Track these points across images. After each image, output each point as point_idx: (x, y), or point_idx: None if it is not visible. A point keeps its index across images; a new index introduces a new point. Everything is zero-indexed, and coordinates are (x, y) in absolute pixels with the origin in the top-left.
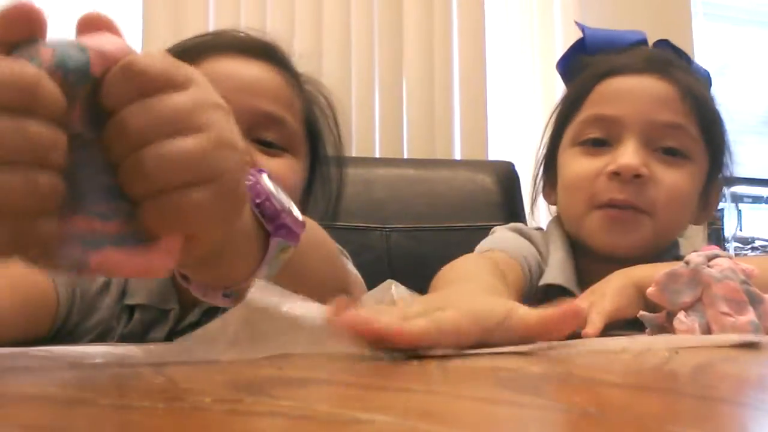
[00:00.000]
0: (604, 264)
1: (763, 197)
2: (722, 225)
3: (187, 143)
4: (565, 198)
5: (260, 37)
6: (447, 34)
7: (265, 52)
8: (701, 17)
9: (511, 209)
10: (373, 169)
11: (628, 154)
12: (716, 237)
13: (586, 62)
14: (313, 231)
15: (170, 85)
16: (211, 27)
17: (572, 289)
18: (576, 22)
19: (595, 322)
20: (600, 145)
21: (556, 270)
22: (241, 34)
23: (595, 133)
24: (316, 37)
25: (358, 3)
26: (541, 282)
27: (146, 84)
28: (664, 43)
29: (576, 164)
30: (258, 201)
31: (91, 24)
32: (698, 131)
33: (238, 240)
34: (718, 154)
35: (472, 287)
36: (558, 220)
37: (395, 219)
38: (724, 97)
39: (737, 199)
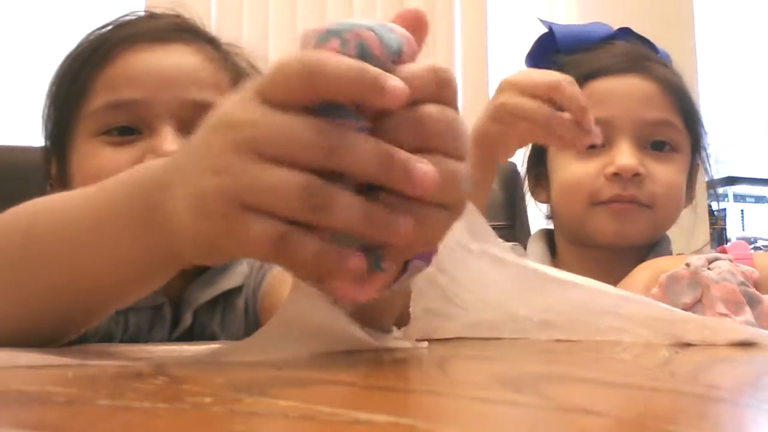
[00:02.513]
0: (591, 257)
1: (765, 197)
2: (725, 225)
3: (460, 167)
4: (563, 199)
5: (168, 13)
6: (449, 34)
7: (178, 31)
8: (702, 17)
9: (513, 209)
10: None
11: (626, 155)
12: (718, 237)
13: (563, 62)
14: None
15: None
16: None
17: None
18: (540, 20)
19: None
20: (592, 146)
21: None
22: (144, 16)
23: None
24: None
25: (361, 3)
26: None
27: (448, 94)
28: (626, 31)
29: (572, 167)
30: None
31: (405, 19)
32: (682, 122)
33: None
34: (698, 138)
35: None
36: (541, 234)
37: None
38: (724, 97)
39: (740, 199)
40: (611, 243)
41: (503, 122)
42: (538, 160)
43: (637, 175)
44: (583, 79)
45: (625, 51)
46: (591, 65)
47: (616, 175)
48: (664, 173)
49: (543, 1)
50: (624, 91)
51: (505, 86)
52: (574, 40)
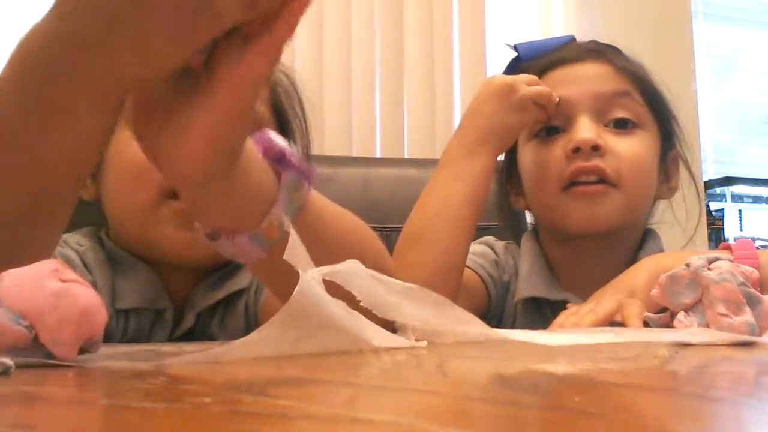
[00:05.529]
0: (578, 255)
1: (763, 197)
2: (723, 225)
3: None
4: (532, 190)
5: None
6: (447, 34)
7: None
8: (701, 18)
9: (510, 209)
10: (374, 169)
11: (584, 130)
12: (716, 237)
13: (523, 68)
14: (337, 208)
15: None
16: None
17: (545, 296)
18: (507, 44)
19: (636, 326)
20: (554, 133)
21: (524, 282)
22: None
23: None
24: (317, 37)
25: (359, 3)
26: (516, 299)
27: None
28: (591, 44)
29: (536, 155)
30: (263, 149)
31: None
32: (642, 99)
33: (244, 178)
34: (667, 126)
35: None
36: (531, 234)
37: (395, 219)
38: (724, 97)
39: (737, 199)
40: (583, 229)
41: (527, 111)
42: (512, 167)
43: (597, 148)
44: (541, 72)
45: (581, 45)
46: (549, 60)
47: (576, 150)
48: (627, 147)
49: (542, 5)
50: (579, 73)
51: (513, 85)
52: (536, 49)
